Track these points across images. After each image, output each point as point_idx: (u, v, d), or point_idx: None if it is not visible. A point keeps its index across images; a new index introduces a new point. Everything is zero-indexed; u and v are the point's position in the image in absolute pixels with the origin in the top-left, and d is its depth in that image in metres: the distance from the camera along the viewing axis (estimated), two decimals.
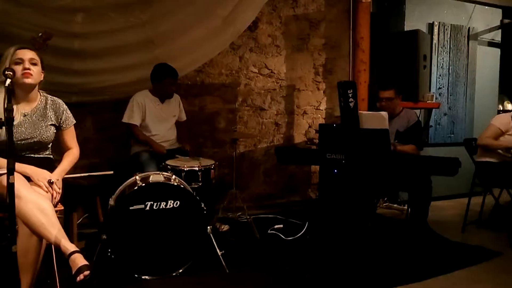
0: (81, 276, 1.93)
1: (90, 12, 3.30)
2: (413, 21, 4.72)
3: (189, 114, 4.00)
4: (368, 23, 4.60)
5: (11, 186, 1.74)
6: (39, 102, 2.48)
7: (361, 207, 3.58)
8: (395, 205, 4.68)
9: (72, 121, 2.62)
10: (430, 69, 4.80)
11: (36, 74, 2.36)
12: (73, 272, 1.96)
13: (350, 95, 3.38)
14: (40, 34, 2.90)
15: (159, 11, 3.48)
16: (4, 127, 2.20)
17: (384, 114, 3.38)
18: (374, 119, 3.38)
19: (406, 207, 4.20)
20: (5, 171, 2.07)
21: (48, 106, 2.50)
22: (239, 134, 3.83)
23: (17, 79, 2.28)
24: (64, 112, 2.56)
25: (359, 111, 3.46)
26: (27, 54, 2.34)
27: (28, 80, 2.32)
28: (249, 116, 4.59)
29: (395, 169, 3.28)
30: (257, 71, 4.57)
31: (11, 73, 2.11)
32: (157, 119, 3.62)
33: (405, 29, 4.67)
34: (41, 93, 2.51)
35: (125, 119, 3.53)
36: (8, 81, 2.03)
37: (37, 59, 2.39)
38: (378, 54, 4.72)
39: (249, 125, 4.59)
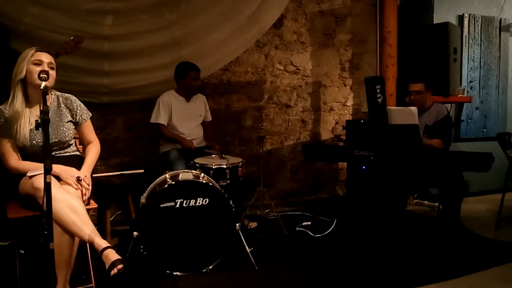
0: (115, 270, 1.95)
1: (120, 14, 3.37)
2: (442, 13, 4.61)
3: (216, 113, 4.03)
4: (395, 16, 4.51)
5: (48, 185, 1.79)
6: (52, 102, 2.45)
7: (391, 204, 3.53)
8: (425, 202, 4.59)
9: (88, 114, 2.57)
10: (461, 62, 4.67)
11: (52, 78, 2.33)
12: (107, 267, 1.98)
13: (378, 90, 3.34)
14: (71, 38, 2.98)
15: (186, 12, 3.53)
16: (22, 130, 2.30)
17: (414, 109, 3.32)
18: (403, 115, 3.33)
19: (437, 204, 4.12)
20: (36, 173, 2.17)
21: (61, 104, 2.47)
22: (265, 132, 3.84)
23: (34, 80, 2.25)
24: (78, 107, 2.51)
25: (388, 107, 3.42)
26: (47, 58, 2.33)
27: (45, 82, 2.25)
28: (275, 113, 4.59)
29: (426, 165, 3.22)
30: (282, 68, 4.56)
31: (46, 75, 2.17)
32: (184, 117, 3.66)
33: (434, 22, 4.56)
34: (52, 92, 2.48)
35: (153, 119, 3.60)
36: (43, 84, 2.10)
37: (54, 64, 2.38)
38: (406, 48, 4.63)
39: (275, 122, 4.59)
